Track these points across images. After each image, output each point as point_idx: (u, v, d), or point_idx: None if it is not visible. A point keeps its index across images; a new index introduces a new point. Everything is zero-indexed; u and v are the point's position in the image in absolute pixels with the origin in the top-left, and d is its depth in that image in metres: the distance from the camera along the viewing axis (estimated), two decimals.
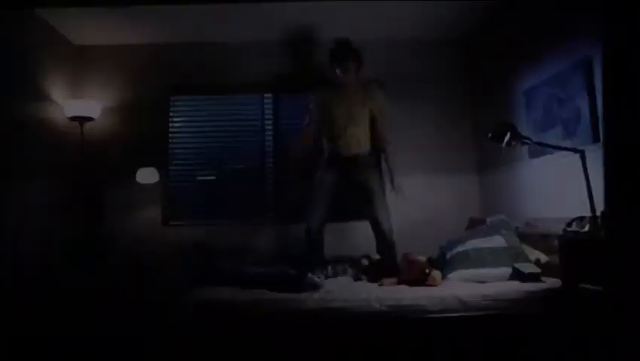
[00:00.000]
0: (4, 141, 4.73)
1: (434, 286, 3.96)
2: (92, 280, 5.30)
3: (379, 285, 4.08)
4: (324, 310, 3.62)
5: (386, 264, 4.60)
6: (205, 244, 5.88)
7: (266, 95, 6.58)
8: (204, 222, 6.34)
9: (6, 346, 4.34)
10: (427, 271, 4.02)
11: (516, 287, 3.82)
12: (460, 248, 4.44)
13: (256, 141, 6.58)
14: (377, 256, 4.84)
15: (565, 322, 3.49)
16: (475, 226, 5.16)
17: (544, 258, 4.23)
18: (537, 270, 4.00)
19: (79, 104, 5.88)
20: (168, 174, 6.36)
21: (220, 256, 5.58)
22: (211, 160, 6.58)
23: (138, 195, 6.15)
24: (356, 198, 5.39)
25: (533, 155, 4.97)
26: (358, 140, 5.30)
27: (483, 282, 4.03)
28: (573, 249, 3.56)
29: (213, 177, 6.58)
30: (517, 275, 3.99)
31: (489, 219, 5.01)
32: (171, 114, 6.53)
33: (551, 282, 3.87)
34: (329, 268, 4.61)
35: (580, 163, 3.62)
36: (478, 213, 6.08)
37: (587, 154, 3.63)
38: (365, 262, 4.67)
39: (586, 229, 3.54)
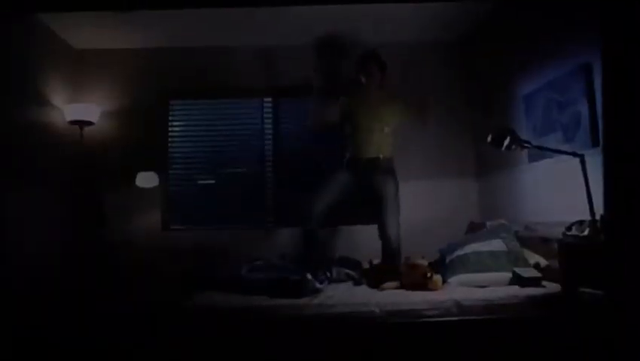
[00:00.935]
0: (4, 144, 4.74)
1: (435, 290, 3.96)
2: (91, 285, 5.31)
3: (380, 289, 4.08)
4: (324, 315, 3.63)
5: (387, 268, 4.59)
6: (205, 249, 5.89)
7: (265, 100, 6.59)
8: (204, 226, 6.36)
9: (8, 347, 4.34)
10: (428, 275, 4.02)
11: (516, 291, 3.82)
12: (460, 252, 4.44)
13: (255, 145, 6.59)
14: (377, 260, 4.84)
15: (565, 326, 3.50)
16: (475, 230, 5.17)
17: (543, 262, 4.23)
18: (537, 274, 4.00)
19: (79, 108, 5.89)
20: (167, 178, 6.37)
21: (220, 260, 5.58)
22: (211, 164, 6.60)
23: (138, 199, 6.16)
24: (367, 201, 5.41)
25: (533, 159, 4.97)
26: (378, 145, 5.36)
27: (483, 286, 4.02)
28: (572, 253, 3.57)
29: (213, 181, 6.59)
30: (517, 279, 3.99)
31: (488, 223, 5.03)
32: (170, 118, 6.54)
33: (551, 286, 3.87)
34: (333, 271, 4.61)
35: (579, 167, 3.63)
36: (478, 217, 6.09)
37: (587, 158, 3.64)
38: (366, 265, 4.67)
39: (586, 233, 3.54)
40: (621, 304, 2.77)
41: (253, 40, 6.27)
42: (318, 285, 4.04)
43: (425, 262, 4.21)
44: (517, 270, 4.04)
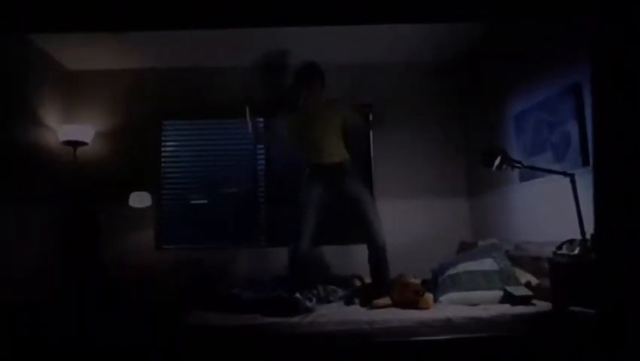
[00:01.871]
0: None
1: (427, 309, 3.97)
2: (86, 302, 5.30)
3: (371, 308, 4.08)
4: (316, 333, 3.64)
5: (378, 286, 4.60)
6: (198, 268, 5.88)
7: (258, 120, 6.60)
8: (196, 246, 6.35)
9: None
10: (420, 293, 4.03)
11: (508, 310, 3.84)
12: (452, 271, 4.45)
13: (248, 164, 6.61)
14: (368, 279, 4.85)
15: (555, 344, 3.51)
16: (466, 249, 5.19)
17: (534, 281, 4.25)
18: (528, 293, 4.01)
19: (72, 128, 5.90)
20: (160, 198, 6.38)
21: (212, 280, 5.58)
22: (204, 184, 6.61)
23: (131, 219, 6.15)
24: (344, 208, 5.37)
25: (523, 178, 5.00)
26: (335, 151, 5.30)
27: (474, 305, 4.04)
28: (563, 272, 3.59)
29: (205, 201, 6.59)
30: (508, 298, 4.01)
31: (480, 243, 5.04)
32: (163, 139, 6.55)
33: (542, 305, 3.89)
34: (319, 288, 4.61)
35: (569, 187, 3.66)
36: (469, 236, 6.11)
37: (577, 178, 3.67)
38: (357, 282, 4.68)
39: (576, 251, 3.56)
40: (612, 323, 2.79)
41: (245, 60, 6.29)
42: (308, 304, 4.04)
43: (417, 281, 4.22)
44: (508, 288, 4.05)
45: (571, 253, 3.60)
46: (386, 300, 4.13)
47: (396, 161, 6.14)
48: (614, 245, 2.82)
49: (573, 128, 4.18)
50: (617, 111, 2.85)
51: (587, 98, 3.95)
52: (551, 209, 4.52)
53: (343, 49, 5.98)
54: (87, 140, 5.96)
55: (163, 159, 6.51)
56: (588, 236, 3.44)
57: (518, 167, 4.20)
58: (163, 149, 6.53)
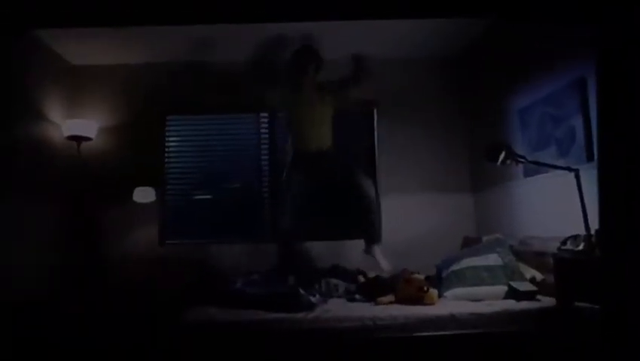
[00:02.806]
0: (2, 159, 4.75)
1: (431, 304, 3.96)
2: (88, 300, 5.30)
3: (375, 304, 4.07)
4: (320, 329, 3.64)
5: (382, 281, 4.59)
6: (202, 263, 5.88)
7: (262, 115, 6.60)
8: (200, 241, 6.35)
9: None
10: (424, 288, 4.02)
11: (512, 305, 3.84)
12: (456, 267, 4.45)
13: (252, 159, 6.60)
14: (372, 274, 4.84)
15: (560, 340, 3.50)
16: (471, 244, 5.18)
17: (539, 276, 4.24)
18: (533, 288, 4.01)
19: (76, 123, 5.90)
20: (164, 193, 6.37)
21: (216, 275, 5.58)
22: (208, 179, 6.60)
23: (135, 214, 6.15)
24: (329, 190, 5.40)
25: (528, 174, 4.98)
26: (322, 137, 5.37)
27: (478, 300, 4.03)
28: (568, 267, 3.58)
29: (209, 196, 6.59)
30: (513, 293, 4.00)
31: (484, 238, 5.03)
32: (167, 134, 6.54)
33: (546, 300, 3.88)
34: (323, 284, 4.60)
35: (574, 182, 3.64)
36: (473, 231, 6.10)
37: (581, 173, 3.66)
38: (361, 278, 4.67)
39: (581, 247, 3.55)
40: (617, 318, 2.78)
41: (249, 54, 6.27)
42: (312, 299, 4.04)
43: (420, 277, 4.21)
44: (513, 284, 4.05)
45: (576, 249, 3.59)
46: (390, 297, 4.12)
47: (400, 156, 6.13)
48: (618, 241, 2.81)
49: (577, 124, 4.16)
50: (622, 107, 2.83)
51: (592, 93, 3.94)
52: (555, 204, 4.51)
53: (347, 44, 5.96)
54: (91, 135, 5.96)
55: (166, 155, 6.51)
56: (592, 232, 3.43)
57: (522, 162, 4.19)
58: (166, 144, 6.53)
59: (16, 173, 5.04)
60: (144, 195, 6.02)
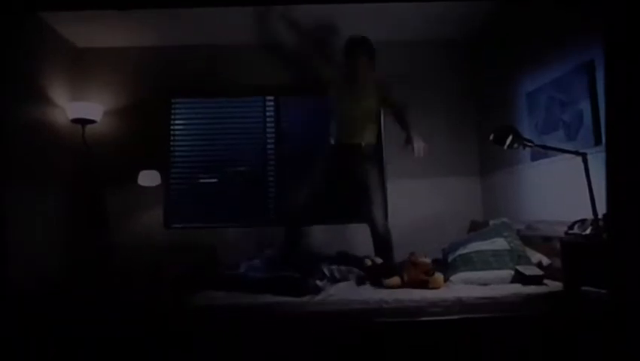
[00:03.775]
0: (6, 143, 4.74)
1: (437, 288, 3.96)
2: (93, 282, 5.31)
3: (382, 287, 4.07)
4: (326, 312, 3.63)
5: (388, 265, 4.58)
6: (207, 247, 5.88)
7: (267, 98, 6.59)
8: (205, 224, 6.35)
9: (7, 345, 4.35)
10: (430, 272, 4.01)
11: (519, 289, 3.82)
12: (462, 251, 4.43)
13: (257, 143, 6.60)
14: (379, 259, 4.83)
15: (566, 324, 3.49)
16: (477, 228, 5.17)
17: (546, 260, 4.23)
18: (540, 272, 3.99)
19: (81, 106, 5.91)
20: (169, 176, 6.38)
21: (221, 259, 5.58)
22: (213, 163, 6.61)
23: (140, 197, 6.17)
24: (351, 190, 5.37)
25: (535, 157, 4.96)
26: (363, 130, 5.30)
27: (485, 284, 4.02)
28: (575, 251, 3.56)
29: (215, 180, 6.59)
30: (519, 277, 3.99)
31: (491, 222, 5.01)
32: (172, 117, 6.55)
33: (553, 284, 3.87)
34: (334, 270, 4.59)
35: (581, 166, 3.62)
36: (480, 215, 6.10)
37: (589, 157, 3.64)
38: (368, 262, 4.66)
39: (588, 231, 3.53)
40: (623, 303, 2.76)
41: (255, 37, 6.25)
42: (319, 283, 4.03)
43: (427, 260, 4.20)
44: (519, 268, 4.03)
45: (583, 233, 3.58)
46: (396, 280, 4.11)
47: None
48: (626, 225, 2.79)
49: (585, 107, 4.14)
50: (631, 90, 2.80)
51: (600, 76, 3.91)
52: (563, 188, 4.49)
53: (354, 27, 5.92)
54: (96, 118, 5.96)
55: (172, 138, 6.52)
56: (600, 216, 3.41)
57: (530, 146, 4.16)
58: (172, 127, 6.53)
59: (21, 155, 5.03)
60: (149, 178, 6.02)
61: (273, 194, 6.50)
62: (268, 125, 6.60)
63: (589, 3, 3.99)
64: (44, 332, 4.63)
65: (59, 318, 4.80)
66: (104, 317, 4.82)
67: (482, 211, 6.27)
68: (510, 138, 4.04)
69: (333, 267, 4.57)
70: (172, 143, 6.50)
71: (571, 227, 3.74)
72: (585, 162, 3.62)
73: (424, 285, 3.97)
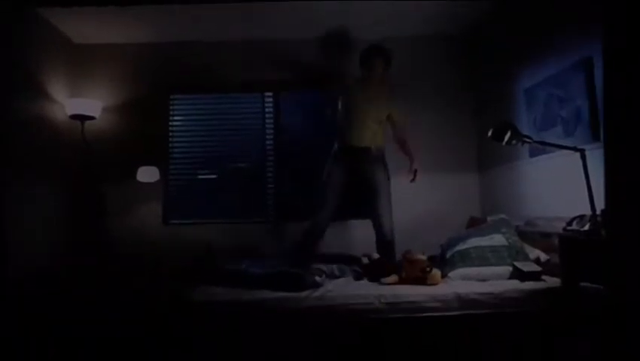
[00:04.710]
0: (5, 139, 4.74)
1: (435, 284, 3.97)
2: (92, 279, 5.32)
3: (380, 284, 4.07)
4: (325, 308, 3.64)
5: (386, 262, 4.59)
6: (206, 243, 5.88)
7: (266, 94, 6.59)
8: (204, 220, 6.36)
9: (7, 345, 4.35)
10: (427, 269, 4.02)
11: (517, 285, 3.83)
12: (460, 247, 4.44)
13: (256, 139, 6.59)
14: (377, 255, 4.83)
15: (564, 320, 3.50)
16: (476, 224, 5.18)
17: (544, 256, 4.24)
18: (538, 268, 4.00)
19: (80, 102, 5.90)
20: (168, 172, 6.38)
21: (220, 254, 5.58)
22: (212, 159, 6.61)
23: (139, 193, 6.17)
24: (360, 194, 5.41)
25: (533, 154, 4.97)
26: (372, 134, 5.37)
27: (483, 280, 4.03)
28: (573, 247, 3.57)
29: (213, 176, 6.60)
30: (517, 274, 4.00)
31: (489, 218, 5.02)
32: (171, 113, 6.53)
33: (551, 280, 3.88)
34: (334, 267, 4.59)
35: (580, 162, 3.62)
36: (478, 211, 6.10)
37: (587, 153, 3.64)
38: (365, 260, 4.66)
39: (587, 227, 3.54)
40: (621, 299, 2.77)
41: (253, 34, 6.26)
42: (317, 279, 4.04)
43: (424, 257, 4.21)
44: (518, 264, 4.04)
45: (582, 229, 3.58)
46: (394, 277, 4.12)
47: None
48: (624, 221, 2.80)
49: (583, 104, 4.14)
50: (629, 85, 2.81)
51: (598, 72, 3.91)
52: (561, 184, 4.50)
53: (353, 23, 5.94)
54: (95, 114, 5.96)
55: (170, 134, 6.51)
56: (598, 212, 3.42)
57: (528, 142, 4.16)
58: (170, 123, 6.52)
59: (21, 153, 5.02)
60: (148, 174, 6.01)
61: (272, 190, 6.49)
62: (267, 121, 6.59)
63: (589, 1, 3.99)
64: (44, 332, 4.64)
65: (59, 318, 4.81)
66: (104, 317, 4.83)
67: (480, 207, 6.28)
68: (509, 134, 4.04)
69: (333, 265, 4.59)
70: (170, 139, 6.49)
71: (569, 223, 3.76)
72: (583, 158, 3.62)
73: (421, 282, 3.98)
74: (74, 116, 5.87)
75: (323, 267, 4.49)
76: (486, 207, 6.16)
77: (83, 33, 6.17)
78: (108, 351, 4.42)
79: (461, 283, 4.00)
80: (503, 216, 4.83)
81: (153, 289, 5.26)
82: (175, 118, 6.56)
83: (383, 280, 4.09)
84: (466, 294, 3.70)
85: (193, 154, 6.59)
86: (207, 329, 3.59)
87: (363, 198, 5.41)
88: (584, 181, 3.55)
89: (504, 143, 4.07)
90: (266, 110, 6.60)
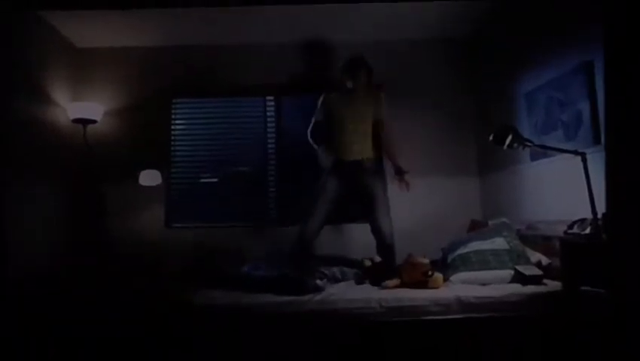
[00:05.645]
0: (8, 143, 4.75)
1: (436, 288, 3.96)
2: (92, 279, 5.32)
3: (381, 287, 4.07)
4: (326, 312, 3.64)
5: (388, 266, 4.59)
6: (208, 247, 5.88)
7: (268, 98, 6.60)
8: (206, 224, 6.36)
9: (7, 345, 4.35)
10: (429, 273, 4.02)
11: (518, 289, 3.83)
12: (462, 250, 4.44)
13: (258, 143, 6.60)
14: (378, 258, 4.83)
15: (566, 324, 3.50)
16: (477, 228, 5.17)
17: (545, 260, 4.24)
18: (539, 272, 4.00)
19: (82, 106, 5.92)
20: (170, 176, 6.39)
21: (222, 258, 5.58)
22: (213, 163, 6.62)
23: (141, 197, 6.17)
24: (359, 202, 5.41)
25: (534, 157, 4.97)
26: (363, 145, 5.34)
27: (484, 284, 4.03)
28: (574, 251, 3.57)
29: (215, 180, 6.60)
30: (519, 277, 4.00)
31: (490, 222, 5.02)
32: (173, 117, 6.55)
33: (552, 284, 3.88)
34: (335, 270, 4.59)
35: (581, 166, 3.62)
36: (480, 215, 6.10)
37: (588, 157, 3.64)
38: (367, 263, 4.66)
39: (588, 231, 3.54)
40: (622, 303, 2.77)
41: (255, 38, 6.27)
42: (319, 283, 4.04)
43: (425, 261, 4.20)
44: (519, 268, 4.04)
45: (583, 233, 3.59)
46: (396, 281, 4.12)
47: (406, 139, 6.09)
48: (625, 224, 2.80)
49: (584, 107, 4.14)
50: (630, 88, 2.81)
51: (599, 76, 3.91)
52: (562, 188, 4.49)
53: (353, 26, 5.95)
54: (97, 118, 5.98)
55: (172, 138, 6.52)
56: (599, 216, 3.42)
57: (529, 146, 4.16)
58: (172, 127, 6.53)
59: (23, 155, 5.03)
60: (150, 178, 6.02)
61: (274, 194, 6.49)
62: (269, 125, 6.60)
63: (589, 3, 4.00)
64: (44, 332, 4.63)
65: (59, 318, 4.80)
66: (104, 317, 4.82)
67: (481, 211, 6.27)
68: (510, 137, 4.04)
69: (335, 269, 4.59)
70: (172, 143, 6.50)
71: (570, 227, 3.76)
72: (584, 161, 3.62)
73: (423, 285, 3.98)
74: (77, 120, 5.88)
75: (325, 270, 4.49)
76: (487, 211, 6.15)
77: (86, 37, 6.18)
78: (108, 351, 4.41)
79: (462, 287, 4.00)
80: (504, 219, 4.83)
81: (153, 289, 5.26)
82: (177, 122, 6.57)
83: (384, 283, 4.09)
84: (467, 298, 3.70)
85: (195, 158, 6.60)
86: (208, 333, 3.60)
87: (360, 205, 5.41)
88: (585, 185, 3.55)
89: (505, 147, 4.07)
90: (268, 114, 6.62)
